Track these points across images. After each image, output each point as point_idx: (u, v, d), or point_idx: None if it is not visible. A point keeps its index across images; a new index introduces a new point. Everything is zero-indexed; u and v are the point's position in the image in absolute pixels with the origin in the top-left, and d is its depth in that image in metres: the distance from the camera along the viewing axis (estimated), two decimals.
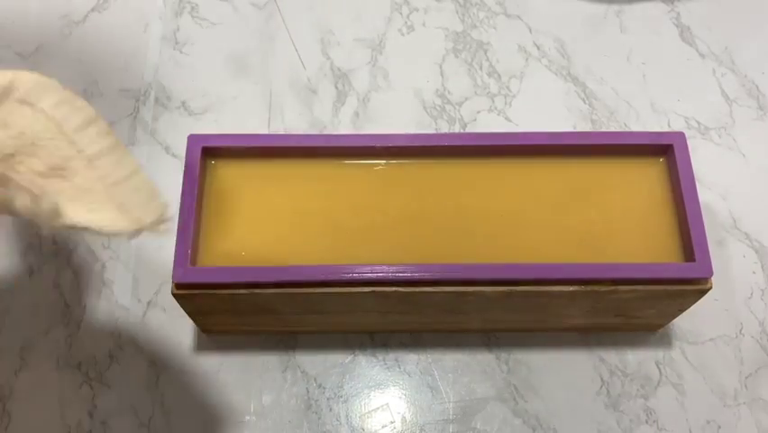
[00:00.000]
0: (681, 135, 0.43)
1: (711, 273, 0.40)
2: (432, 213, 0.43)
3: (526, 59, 0.59)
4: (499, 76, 0.58)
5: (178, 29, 0.61)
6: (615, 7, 0.61)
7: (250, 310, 0.43)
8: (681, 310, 0.44)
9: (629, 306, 0.43)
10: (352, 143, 0.44)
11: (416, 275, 0.40)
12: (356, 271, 0.40)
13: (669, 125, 0.56)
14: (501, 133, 0.46)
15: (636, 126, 0.56)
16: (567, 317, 0.45)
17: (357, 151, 0.44)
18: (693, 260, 0.40)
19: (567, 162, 0.44)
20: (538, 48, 0.59)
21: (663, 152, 0.44)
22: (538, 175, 0.44)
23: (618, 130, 0.55)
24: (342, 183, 0.44)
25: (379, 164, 0.44)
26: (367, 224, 0.43)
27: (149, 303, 0.50)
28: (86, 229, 0.32)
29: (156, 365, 0.48)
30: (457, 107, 0.57)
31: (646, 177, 0.44)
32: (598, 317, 0.45)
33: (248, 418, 0.46)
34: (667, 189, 0.43)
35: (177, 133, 0.56)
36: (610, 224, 0.43)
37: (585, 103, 0.57)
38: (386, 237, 0.42)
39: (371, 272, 0.40)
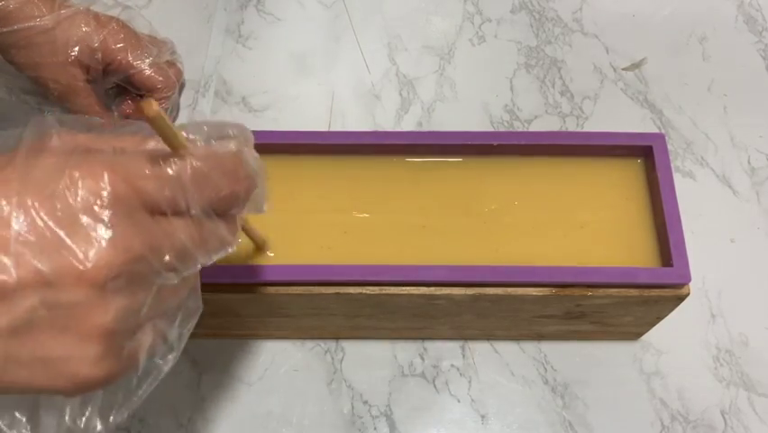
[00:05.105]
0: (660, 137, 0.41)
1: (689, 279, 0.38)
2: (400, 213, 0.41)
3: (602, 81, 0.56)
4: (572, 95, 0.56)
5: (242, 22, 0.60)
6: (698, 33, 0.58)
7: (208, 312, 0.42)
8: (660, 318, 0.42)
9: (604, 312, 0.41)
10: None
11: (382, 277, 0.38)
12: (320, 271, 0.38)
13: (749, 162, 0.53)
14: (471, 132, 0.44)
15: (714, 161, 0.53)
16: (541, 324, 0.43)
17: (314, 148, 0.42)
18: (671, 264, 0.38)
19: (542, 162, 0.42)
20: (614, 70, 0.57)
21: (642, 153, 0.42)
22: (512, 175, 0.42)
23: (694, 161, 0.53)
24: (303, 181, 0.42)
25: (346, 161, 0.42)
26: (335, 222, 0.41)
27: None
28: None
29: (199, 366, 0.46)
30: (526, 124, 0.55)
31: (624, 178, 0.42)
32: (572, 325, 0.43)
33: (285, 431, 0.44)
34: (645, 191, 0.41)
35: None
36: (586, 226, 0.41)
37: (661, 131, 0.54)
38: (354, 237, 0.41)
39: (334, 274, 0.38)
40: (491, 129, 0.54)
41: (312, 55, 0.58)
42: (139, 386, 0.27)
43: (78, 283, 0.22)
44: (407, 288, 0.39)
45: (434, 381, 0.46)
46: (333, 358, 0.47)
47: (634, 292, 0.39)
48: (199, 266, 0.26)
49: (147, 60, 0.47)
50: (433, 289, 0.39)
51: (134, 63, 0.47)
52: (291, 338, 0.47)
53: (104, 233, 0.22)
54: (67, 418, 0.26)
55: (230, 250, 0.27)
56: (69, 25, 0.46)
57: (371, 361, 0.47)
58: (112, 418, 0.26)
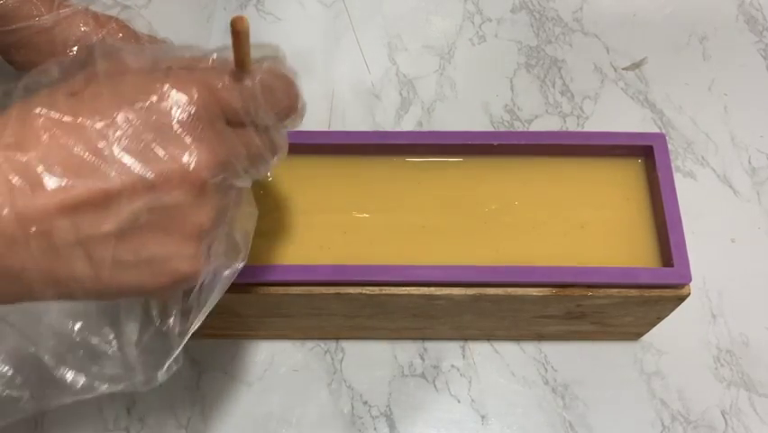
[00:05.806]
0: (660, 136, 0.41)
1: (689, 279, 0.38)
2: (400, 213, 0.41)
3: (602, 81, 0.56)
4: (573, 95, 0.56)
5: None
6: (699, 33, 0.58)
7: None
8: (660, 318, 0.42)
9: (605, 312, 0.41)
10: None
11: (382, 277, 0.38)
12: (319, 271, 0.38)
13: (750, 162, 0.53)
14: (471, 132, 0.43)
15: (715, 161, 0.53)
16: (541, 325, 0.43)
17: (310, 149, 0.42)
18: (671, 265, 0.38)
19: (542, 162, 0.42)
20: (615, 69, 0.57)
21: (642, 152, 0.42)
22: (512, 175, 0.42)
23: (695, 161, 0.53)
24: (303, 181, 0.42)
25: (346, 161, 0.42)
26: (335, 222, 0.41)
27: None
28: None
29: (199, 365, 0.46)
30: (526, 124, 0.55)
31: (624, 178, 0.42)
32: (573, 325, 0.43)
33: (285, 432, 0.44)
34: (645, 191, 0.41)
35: None
36: (586, 225, 0.41)
37: (662, 131, 0.54)
38: (353, 237, 0.41)
39: (334, 274, 0.38)
40: (491, 129, 0.54)
41: (312, 55, 0.58)
42: (213, 288, 0.29)
43: (181, 185, 0.24)
44: (407, 288, 0.39)
45: (434, 381, 0.46)
46: (333, 358, 0.47)
47: (634, 292, 0.39)
48: (269, 171, 0.29)
49: None
50: (433, 289, 0.39)
51: None
52: (291, 338, 0.47)
53: (198, 139, 0.24)
54: (156, 320, 0.28)
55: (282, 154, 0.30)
56: (68, 25, 0.46)
57: (371, 361, 0.47)
58: (190, 317, 0.29)
